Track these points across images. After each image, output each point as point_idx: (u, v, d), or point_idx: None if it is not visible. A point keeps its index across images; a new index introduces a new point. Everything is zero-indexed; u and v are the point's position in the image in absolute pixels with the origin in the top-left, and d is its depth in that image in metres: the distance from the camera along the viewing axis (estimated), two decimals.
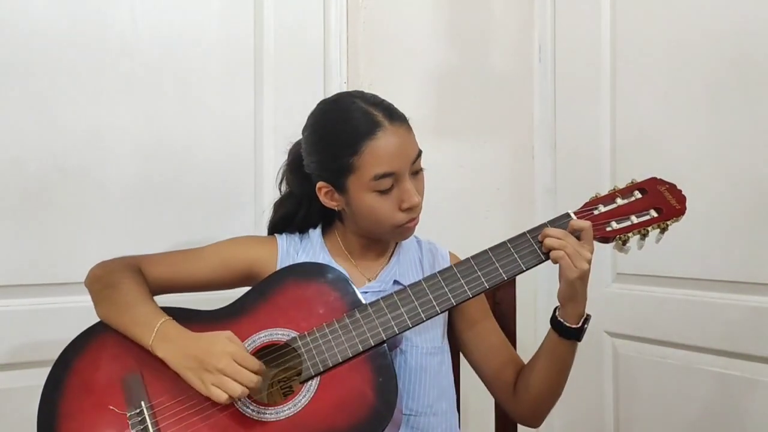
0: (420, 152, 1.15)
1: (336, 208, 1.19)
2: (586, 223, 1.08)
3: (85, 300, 1.17)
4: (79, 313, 1.17)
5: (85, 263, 1.20)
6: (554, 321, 1.12)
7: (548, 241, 1.07)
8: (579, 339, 1.11)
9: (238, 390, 0.99)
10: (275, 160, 1.65)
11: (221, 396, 0.99)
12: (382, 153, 1.09)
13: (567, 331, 1.10)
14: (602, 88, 1.84)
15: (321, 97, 1.72)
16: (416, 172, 1.15)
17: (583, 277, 1.06)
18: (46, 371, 1.10)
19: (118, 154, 1.52)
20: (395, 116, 1.13)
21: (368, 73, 1.82)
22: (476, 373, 1.27)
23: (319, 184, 1.17)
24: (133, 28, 1.53)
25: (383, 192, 1.11)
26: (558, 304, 1.12)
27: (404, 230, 1.17)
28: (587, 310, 1.11)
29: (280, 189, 1.29)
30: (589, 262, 1.06)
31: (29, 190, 1.44)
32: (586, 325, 1.11)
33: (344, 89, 1.75)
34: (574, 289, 1.07)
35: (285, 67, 1.71)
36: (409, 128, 1.14)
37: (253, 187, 1.67)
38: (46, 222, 1.45)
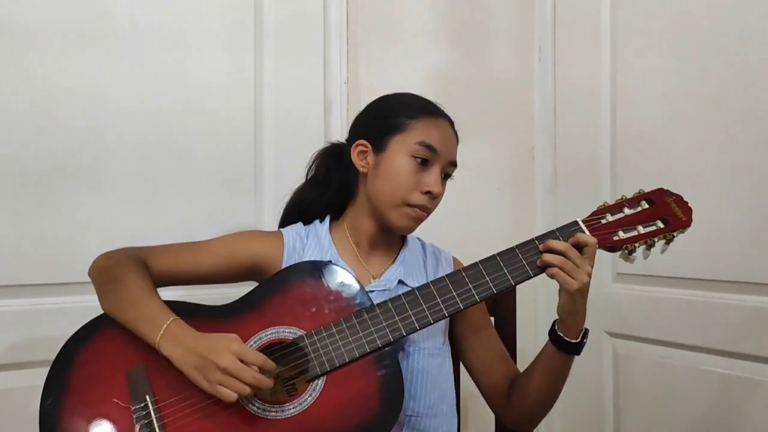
0: (456, 164, 1.22)
1: (361, 169, 1.21)
2: (592, 240, 1.08)
3: (85, 300, 1.16)
4: (79, 312, 1.16)
5: (86, 263, 1.19)
6: (553, 335, 1.12)
7: (546, 257, 1.07)
8: (578, 353, 1.12)
9: (242, 388, 0.98)
10: (275, 158, 1.67)
11: (230, 396, 0.98)
12: (434, 131, 1.18)
13: (567, 345, 1.10)
14: (602, 88, 1.85)
15: (321, 98, 1.75)
16: (446, 176, 1.21)
17: (583, 289, 1.06)
18: (46, 371, 1.09)
19: (117, 151, 1.51)
20: (454, 125, 1.24)
21: (368, 73, 1.82)
22: (472, 379, 1.28)
23: (358, 141, 1.21)
24: (132, 24, 1.53)
25: (417, 161, 1.16)
26: (556, 317, 1.12)
27: (410, 215, 1.18)
28: (588, 311, 1.11)
29: (306, 174, 1.32)
30: (590, 275, 1.06)
31: (29, 188, 1.43)
32: (585, 340, 1.11)
33: (344, 89, 1.77)
34: (574, 302, 1.07)
35: (285, 67, 1.71)
36: (457, 142, 1.24)
37: (253, 186, 1.67)
38: (46, 221, 1.44)
